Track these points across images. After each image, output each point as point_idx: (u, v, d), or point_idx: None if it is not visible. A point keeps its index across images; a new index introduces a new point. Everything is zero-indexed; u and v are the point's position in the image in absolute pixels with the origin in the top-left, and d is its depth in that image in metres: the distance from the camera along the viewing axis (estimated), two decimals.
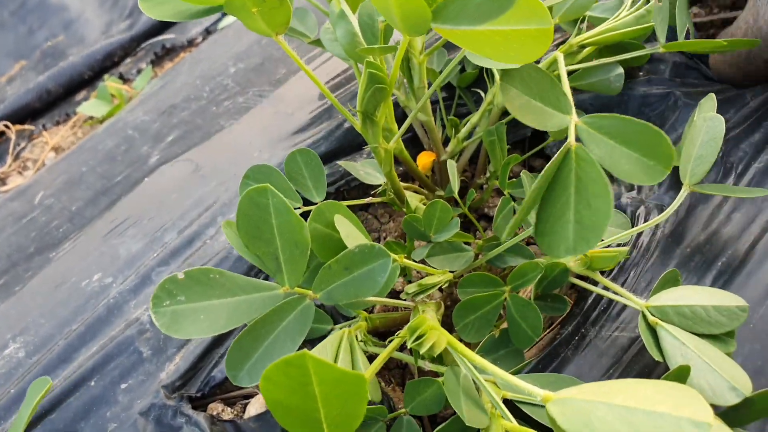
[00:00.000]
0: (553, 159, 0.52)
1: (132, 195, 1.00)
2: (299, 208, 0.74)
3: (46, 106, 1.70)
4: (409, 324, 0.59)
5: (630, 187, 0.83)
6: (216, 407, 0.76)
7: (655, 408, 0.38)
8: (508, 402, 0.58)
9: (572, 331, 0.72)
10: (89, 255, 0.92)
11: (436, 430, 0.61)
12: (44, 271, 0.93)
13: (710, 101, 0.73)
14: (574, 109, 0.55)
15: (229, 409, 0.76)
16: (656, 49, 0.80)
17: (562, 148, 0.51)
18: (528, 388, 0.47)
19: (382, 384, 0.77)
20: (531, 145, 0.99)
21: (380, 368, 0.77)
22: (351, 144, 0.99)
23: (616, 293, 0.67)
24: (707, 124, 0.70)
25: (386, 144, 0.74)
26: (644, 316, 0.64)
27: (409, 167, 0.88)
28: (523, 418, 0.58)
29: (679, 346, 0.61)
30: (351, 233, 0.57)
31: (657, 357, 0.62)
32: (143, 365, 0.77)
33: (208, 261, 0.85)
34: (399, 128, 0.84)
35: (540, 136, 0.98)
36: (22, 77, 1.91)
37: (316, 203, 0.75)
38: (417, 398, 0.63)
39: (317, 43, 0.96)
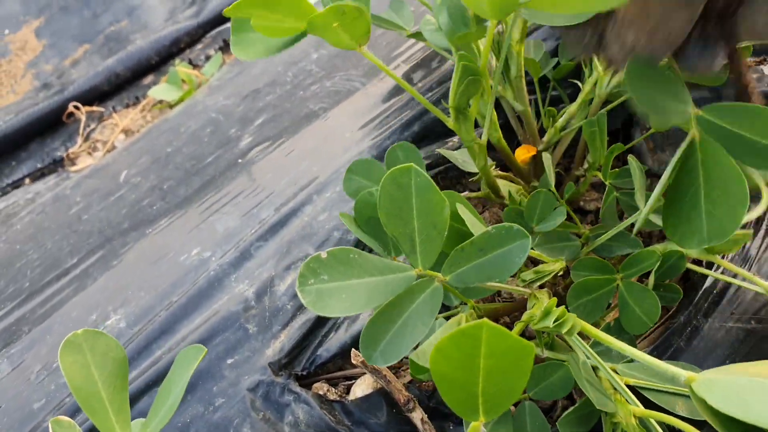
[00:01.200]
0: (679, 151, 0.51)
1: (226, 175, 1.01)
2: None
3: (114, 89, 1.71)
4: (538, 308, 0.58)
5: None
6: (321, 387, 0.76)
7: None
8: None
9: (684, 321, 0.71)
10: (186, 231, 0.92)
11: (568, 411, 0.61)
12: (141, 247, 0.94)
13: None
14: (691, 101, 0.54)
15: (333, 389, 0.76)
16: None
17: (686, 139, 0.51)
18: (670, 370, 0.46)
19: None
20: (624, 136, 0.98)
21: None
22: (440, 129, 0.98)
23: (740, 277, 0.66)
24: None
25: (479, 140, 0.73)
26: None
27: (507, 158, 0.88)
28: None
29: None
30: (474, 222, 0.56)
31: None
32: (249, 341, 0.77)
33: (307, 241, 0.85)
34: (496, 118, 0.84)
35: (630, 126, 0.97)
36: (85, 60, 1.93)
37: None
38: (542, 383, 0.62)
39: (417, 35, 0.96)
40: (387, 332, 0.50)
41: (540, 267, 0.68)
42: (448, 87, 1.01)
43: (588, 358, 0.57)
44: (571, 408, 0.60)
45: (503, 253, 0.51)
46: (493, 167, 0.98)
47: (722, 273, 0.70)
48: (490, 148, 0.98)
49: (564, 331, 0.55)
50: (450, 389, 0.38)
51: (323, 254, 0.49)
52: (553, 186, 0.83)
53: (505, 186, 0.85)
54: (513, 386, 0.38)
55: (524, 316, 0.61)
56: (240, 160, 1.02)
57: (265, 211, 0.90)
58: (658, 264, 0.67)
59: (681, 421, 0.47)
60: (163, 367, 0.76)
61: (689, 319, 0.71)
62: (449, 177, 0.92)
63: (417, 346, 0.52)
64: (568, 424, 0.60)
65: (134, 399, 0.75)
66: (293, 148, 1.00)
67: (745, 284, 0.65)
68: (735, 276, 0.68)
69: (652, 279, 0.70)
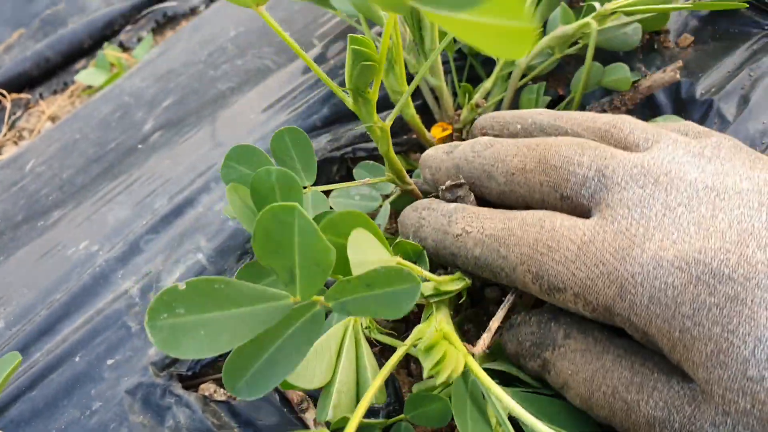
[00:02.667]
0: None
1: (124, 162, 0.95)
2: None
3: (44, 74, 1.64)
4: (425, 332, 0.53)
5: None
6: (208, 387, 0.71)
7: None
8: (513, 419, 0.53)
9: None
10: (77, 223, 0.87)
11: None
12: (31, 240, 0.88)
13: None
14: None
15: (221, 390, 0.71)
16: (687, 5, 0.74)
17: None
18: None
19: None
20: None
21: (383, 349, 0.72)
22: (351, 111, 0.93)
23: None
24: None
25: (382, 122, 0.67)
26: None
27: (422, 137, 0.83)
28: None
29: None
30: (365, 258, 0.50)
31: None
32: (131, 340, 0.72)
33: (200, 232, 0.80)
34: (414, 94, 0.79)
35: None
36: (20, 45, 1.85)
37: (305, 187, 0.69)
38: (419, 409, 0.57)
39: (323, 3, 0.90)
40: (255, 361, 0.44)
41: (442, 284, 0.62)
42: None
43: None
44: None
45: (390, 294, 0.45)
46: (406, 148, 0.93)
47: None
48: (404, 128, 0.93)
49: (440, 381, 0.50)
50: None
51: (181, 285, 0.43)
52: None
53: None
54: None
55: (409, 338, 0.55)
56: (140, 146, 0.96)
57: (159, 200, 0.85)
58: None
59: None
60: (39, 371, 0.71)
61: None
62: (358, 158, 0.87)
63: None
64: None
65: (5, 407, 0.69)
66: (195, 132, 0.94)
67: None
68: None
69: None
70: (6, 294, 0.80)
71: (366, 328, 0.65)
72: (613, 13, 0.82)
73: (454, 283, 0.60)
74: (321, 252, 0.44)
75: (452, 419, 0.52)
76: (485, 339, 0.57)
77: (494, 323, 0.58)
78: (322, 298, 0.46)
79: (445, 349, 0.50)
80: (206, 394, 0.70)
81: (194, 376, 0.72)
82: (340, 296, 0.46)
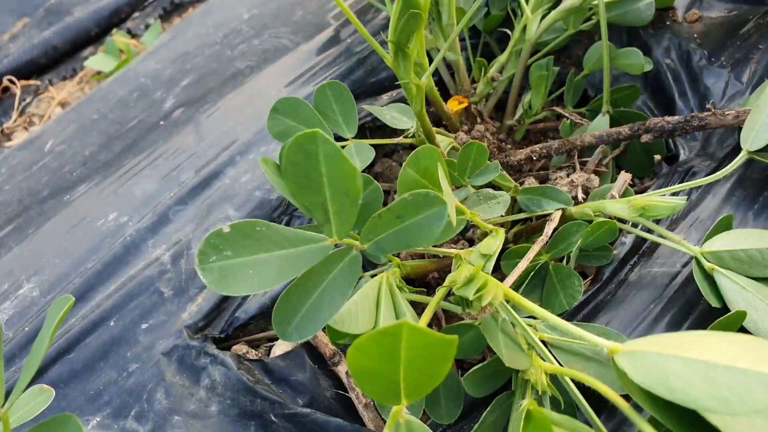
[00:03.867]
0: None
1: (147, 138, 0.97)
2: None
3: (52, 62, 1.65)
4: (461, 273, 0.56)
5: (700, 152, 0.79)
6: (240, 348, 0.73)
7: (735, 363, 0.36)
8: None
9: (610, 274, 0.69)
10: (104, 196, 0.89)
11: (473, 369, 0.59)
12: (59, 214, 0.90)
13: None
14: None
15: (253, 351, 0.73)
16: None
17: None
18: (594, 340, 0.45)
19: None
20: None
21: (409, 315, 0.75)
22: (371, 87, 0.95)
23: (670, 240, 0.64)
24: None
25: (418, 80, 0.70)
26: (699, 263, 0.62)
27: (439, 108, 0.85)
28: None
29: (740, 290, 0.60)
30: (447, 188, 0.53)
31: (715, 303, 0.60)
32: (164, 305, 0.74)
33: (228, 202, 0.82)
34: (428, 66, 0.81)
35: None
36: (25, 35, 1.86)
37: (347, 139, 0.71)
38: None
39: None
40: (302, 306, 0.47)
41: (483, 245, 0.64)
42: (380, 40, 0.98)
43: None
44: (478, 365, 0.58)
45: (421, 221, 0.48)
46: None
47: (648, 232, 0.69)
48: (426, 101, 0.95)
49: (484, 303, 0.53)
50: (370, 381, 0.37)
51: (225, 228, 0.45)
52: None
53: (440, 140, 0.82)
54: (435, 373, 0.37)
55: (447, 280, 0.58)
56: (162, 122, 0.98)
57: (185, 174, 0.87)
58: (584, 239, 0.66)
59: (594, 380, 0.45)
60: (75, 336, 0.73)
61: (615, 269, 0.69)
62: (381, 128, 0.89)
63: None
64: (473, 382, 0.58)
65: (45, 368, 0.72)
66: (217, 109, 0.96)
67: (669, 243, 0.64)
68: (660, 236, 0.67)
69: (573, 259, 0.68)
70: (38, 264, 0.82)
71: (397, 287, 0.67)
72: None
73: (493, 241, 0.63)
74: (348, 177, 0.46)
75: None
76: (512, 277, 0.60)
77: (522, 264, 0.62)
78: (357, 242, 0.49)
79: (485, 279, 0.53)
80: (239, 354, 0.72)
81: (227, 338, 0.74)
82: (373, 235, 0.48)
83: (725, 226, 0.65)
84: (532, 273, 0.69)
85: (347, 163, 0.46)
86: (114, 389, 0.70)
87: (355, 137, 0.72)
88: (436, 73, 0.95)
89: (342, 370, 0.69)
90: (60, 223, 0.87)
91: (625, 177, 0.73)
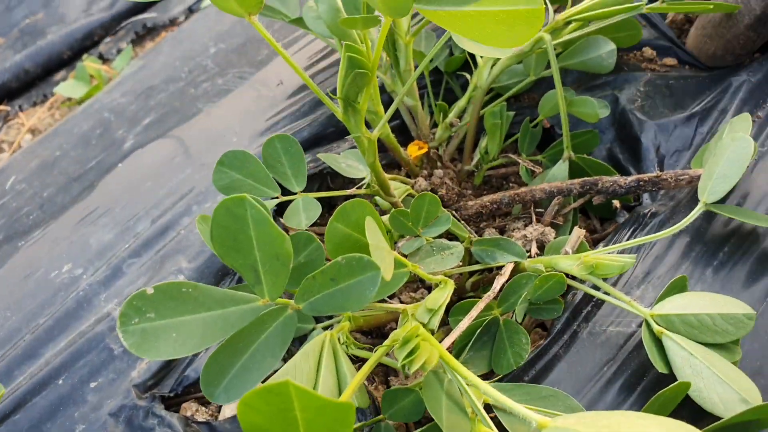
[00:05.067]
0: None
1: (105, 181, 0.96)
2: (277, 197, 0.70)
3: (23, 86, 1.64)
4: (401, 335, 0.55)
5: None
6: (190, 407, 0.72)
7: None
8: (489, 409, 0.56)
9: (562, 327, 0.69)
10: (59, 244, 0.88)
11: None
12: (12, 261, 0.88)
13: (744, 121, 0.70)
14: None
15: (203, 408, 0.72)
16: (640, 6, 0.75)
17: None
18: (523, 413, 0.44)
19: (365, 383, 0.73)
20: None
21: (362, 365, 0.74)
22: (336, 129, 0.95)
23: (619, 299, 0.64)
24: (735, 144, 0.67)
25: (369, 133, 0.69)
26: (648, 325, 0.62)
27: (397, 154, 0.85)
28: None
29: (687, 356, 0.59)
30: (378, 243, 0.52)
31: (662, 369, 0.59)
32: (114, 363, 0.73)
33: (182, 254, 0.81)
34: (383, 113, 0.80)
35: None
36: None
37: (295, 192, 0.71)
38: (395, 405, 0.60)
39: (299, 22, 0.91)
40: (231, 367, 0.47)
41: (429, 299, 0.64)
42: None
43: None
44: (421, 429, 0.58)
45: (354, 284, 0.48)
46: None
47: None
48: (381, 147, 0.95)
49: (414, 368, 0.52)
50: None
51: (149, 289, 0.44)
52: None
53: (396, 188, 0.82)
54: None
55: (388, 339, 0.58)
56: (120, 165, 0.97)
57: (142, 224, 0.86)
58: (533, 292, 0.66)
59: None
60: (21, 395, 0.72)
61: (568, 325, 0.69)
62: (338, 174, 0.88)
63: (270, 376, 0.49)
64: None
65: None
66: (177, 153, 0.95)
67: (623, 305, 0.63)
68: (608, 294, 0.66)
69: (519, 312, 0.68)
70: None
71: (343, 344, 0.67)
72: (569, 23, 0.83)
73: (440, 294, 0.62)
74: (277, 241, 0.46)
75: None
76: (451, 337, 0.60)
77: (464, 323, 0.62)
78: (292, 301, 0.49)
79: (418, 342, 0.52)
80: (188, 414, 0.71)
81: (176, 396, 0.73)
82: (308, 296, 0.48)
83: (678, 288, 0.64)
84: (480, 329, 0.68)
85: (275, 229, 0.46)
86: None
87: (312, 184, 0.71)
88: (397, 117, 0.94)
89: None
90: (13, 272, 0.86)
91: (578, 233, 0.72)
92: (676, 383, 0.55)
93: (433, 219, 0.71)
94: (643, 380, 0.63)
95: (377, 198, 0.80)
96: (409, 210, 0.70)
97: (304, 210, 0.70)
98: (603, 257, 0.65)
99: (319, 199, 0.71)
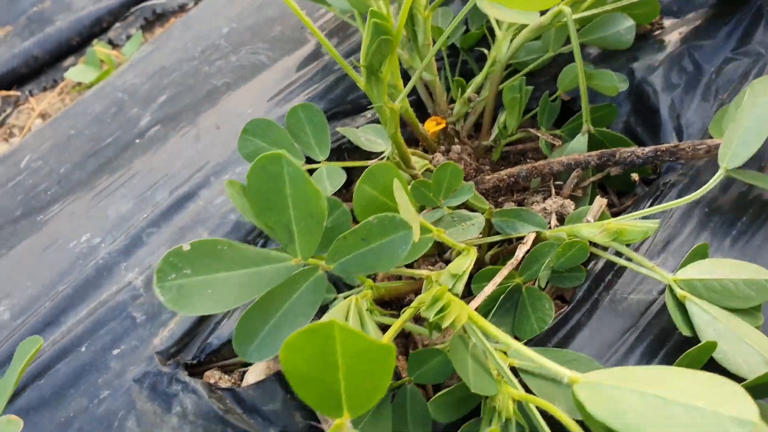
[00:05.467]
0: None
1: (122, 156, 0.96)
2: (301, 164, 0.70)
3: (32, 72, 1.64)
4: (430, 294, 0.55)
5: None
6: (213, 375, 0.72)
7: (694, 402, 0.36)
8: (514, 372, 0.56)
9: (584, 296, 0.69)
10: (77, 216, 0.88)
11: (439, 394, 0.58)
12: (32, 234, 0.89)
13: (765, 84, 0.68)
14: None
15: (226, 376, 0.73)
16: None
17: None
18: (554, 369, 0.44)
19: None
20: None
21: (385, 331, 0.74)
22: (351, 105, 0.95)
23: (642, 266, 0.64)
24: (757, 108, 0.66)
25: (392, 103, 0.69)
26: (671, 290, 0.62)
27: (416, 129, 0.85)
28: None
29: (711, 320, 0.59)
30: (406, 204, 0.52)
31: (686, 332, 0.59)
32: (136, 331, 0.74)
33: (201, 225, 0.81)
34: (402, 87, 0.80)
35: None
36: (6, 43, 1.84)
37: (318, 161, 0.71)
38: (422, 367, 0.60)
39: None
40: (264, 325, 0.47)
41: (454, 266, 0.64)
42: (358, 57, 0.97)
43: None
44: (445, 390, 0.58)
45: (386, 244, 0.48)
46: None
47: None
48: (400, 122, 0.95)
49: (445, 324, 0.52)
50: (304, 385, 0.35)
51: (185, 246, 0.45)
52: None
53: (415, 162, 0.82)
54: (377, 384, 0.36)
55: (415, 301, 0.58)
56: (138, 141, 0.97)
57: (160, 194, 0.86)
58: (555, 260, 0.66)
59: (556, 408, 0.45)
60: (45, 362, 0.72)
61: (590, 293, 0.69)
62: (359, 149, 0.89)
63: None
64: (440, 407, 0.57)
65: (14, 395, 0.71)
66: (192, 127, 0.95)
67: (647, 272, 0.63)
68: (630, 260, 0.66)
69: (543, 279, 0.68)
70: (9, 286, 0.81)
71: (367, 310, 0.67)
72: None
73: (463, 261, 0.62)
74: (313, 199, 0.46)
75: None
76: (477, 301, 0.61)
77: (488, 288, 0.61)
78: (323, 261, 0.49)
79: (448, 299, 0.53)
80: (211, 381, 0.72)
81: (199, 364, 0.73)
82: (339, 256, 0.48)
83: (700, 255, 0.64)
84: (503, 296, 0.68)
85: (311, 186, 0.46)
86: (84, 417, 0.69)
87: (330, 159, 0.72)
88: (413, 93, 0.95)
89: None
90: (32, 245, 0.86)
91: (600, 202, 0.73)
92: (701, 344, 0.55)
93: (454, 190, 0.71)
94: (665, 346, 0.64)
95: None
96: (430, 181, 0.70)
97: (329, 178, 0.71)
98: (626, 223, 0.65)
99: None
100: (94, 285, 0.78)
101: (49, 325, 0.76)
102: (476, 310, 0.64)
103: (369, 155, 0.91)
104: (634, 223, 0.65)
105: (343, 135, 0.88)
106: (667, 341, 0.64)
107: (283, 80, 0.98)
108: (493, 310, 0.68)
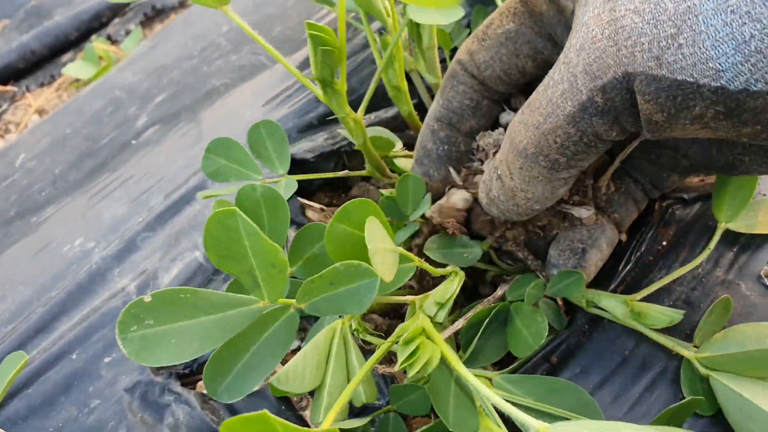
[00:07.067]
0: None
1: (118, 158, 0.94)
2: (260, 179, 0.69)
3: (30, 67, 1.62)
4: (402, 335, 0.54)
5: None
6: None
7: None
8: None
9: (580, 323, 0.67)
10: (71, 219, 0.86)
11: (419, 431, 0.57)
12: (25, 236, 0.87)
13: None
14: None
15: None
16: None
17: None
18: (521, 419, 0.42)
19: (377, 367, 0.71)
20: None
21: (374, 351, 0.73)
22: (350, 106, 0.93)
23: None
24: None
25: (354, 114, 0.68)
26: (691, 366, 0.59)
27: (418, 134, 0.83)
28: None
29: (735, 398, 0.55)
30: (378, 245, 0.50)
31: (707, 412, 0.57)
32: None
33: (197, 229, 0.80)
34: (407, 90, 0.79)
35: None
36: (4, 37, 1.83)
37: (280, 175, 0.71)
38: (403, 399, 0.59)
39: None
40: (233, 366, 0.47)
41: (439, 292, 0.61)
42: (357, 60, 0.96)
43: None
44: (424, 427, 0.57)
45: (353, 289, 0.47)
46: (402, 147, 0.93)
47: None
48: (404, 126, 0.94)
49: (413, 372, 0.51)
50: None
51: (147, 297, 0.44)
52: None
53: (405, 164, 0.80)
54: None
55: (392, 335, 0.56)
56: (134, 142, 0.95)
57: (155, 198, 0.84)
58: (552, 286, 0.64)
59: None
60: (35, 369, 0.71)
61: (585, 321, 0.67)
62: (356, 152, 0.87)
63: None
64: None
65: (2, 403, 0.69)
66: (190, 128, 0.93)
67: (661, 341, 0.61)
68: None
69: (530, 297, 0.65)
70: (1, 290, 0.80)
71: (355, 330, 0.65)
72: None
73: (449, 287, 0.61)
74: (271, 252, 0.45)
75: None
76: (451, 329, 0.60)
77: (460, 322, 0.60)
78: (293, 301, 0.48)
79: (420, 342, 0.51)
80: (204, 391, 0.70)
81: (192, 373, 0.72)
82: (309, 297, 0.47)
83: (723, 308, 0.60)
84: (489, 317, 0.65)
85: (267, 242, 0.45)
86: (74, 426, 0.67)
87: (329, 162, 0.71)
88: (413, 95, 0.93)
89: (308, 414, 0.67)
90: (25, 248, 0.85)
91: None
92: (686, 400, 0.53)
93: (421, 200, 0.68)
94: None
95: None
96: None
97: (286, 189, 0.71)
98: (651, 307, 0.62)
99: (328, 179, 0.71)
100: (87, 290, 0.76)
101: (40, 331, 0.74)
102: (460, 332, 0.62)
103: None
104: (660, 309, 0.62)
105: (342, 137, 0.87)
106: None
107: (283, 82, 0.97)
108: (480, 333, 0.65)
